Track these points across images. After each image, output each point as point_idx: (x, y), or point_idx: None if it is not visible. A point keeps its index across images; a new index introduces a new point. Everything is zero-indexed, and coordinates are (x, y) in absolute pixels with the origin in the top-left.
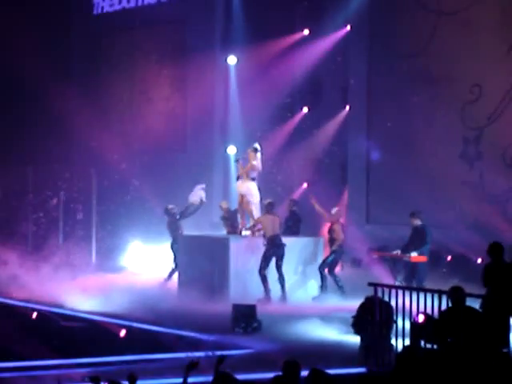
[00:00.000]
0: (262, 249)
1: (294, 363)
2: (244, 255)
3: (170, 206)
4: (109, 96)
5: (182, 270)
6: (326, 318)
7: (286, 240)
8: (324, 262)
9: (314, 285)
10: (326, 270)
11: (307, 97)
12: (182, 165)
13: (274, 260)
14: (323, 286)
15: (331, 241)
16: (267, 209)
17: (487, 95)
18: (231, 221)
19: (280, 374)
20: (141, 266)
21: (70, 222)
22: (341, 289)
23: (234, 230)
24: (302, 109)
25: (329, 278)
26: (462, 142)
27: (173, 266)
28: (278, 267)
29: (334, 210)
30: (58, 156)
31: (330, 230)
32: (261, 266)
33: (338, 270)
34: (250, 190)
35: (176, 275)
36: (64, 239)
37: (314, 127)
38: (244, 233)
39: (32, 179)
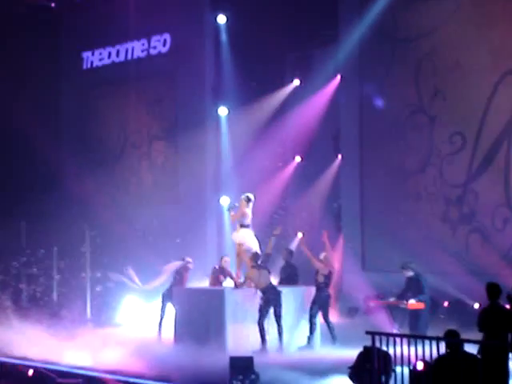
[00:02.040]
0: (259, 299)
1: None
2: (240, 306)
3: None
4: (100, 149)
5: (178, 322)
6: (324, 368)
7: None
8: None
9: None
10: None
11: (299, 146)
12: (176, 217)
13: (271, 310)
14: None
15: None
16: (252, 262)
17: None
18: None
19: None
20: (136, 321)
21: (63, 278)
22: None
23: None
24: (294, 158)
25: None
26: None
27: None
28: (277, 317)
29: (322, 255)
30: (51, 210)
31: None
32: (259, 317)
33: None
34: (246, 237)
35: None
36: (58, 295)
37: (307, 177)
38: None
39: (25, 234)
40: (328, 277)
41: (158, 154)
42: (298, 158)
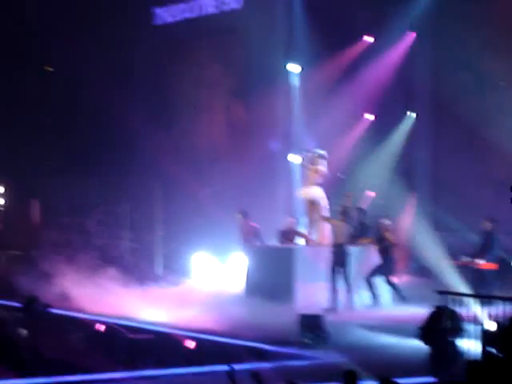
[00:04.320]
0: (329, 257)
1: (353, 372)
2: (310, 264)
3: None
4: (172, 108)
5: (250, 279)
6: (392, 326)
7: (351, 248)
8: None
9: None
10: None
11: (371, 104)
12: (246, 174)
13: (342, 267)
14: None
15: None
16: (339, 215)
17: None
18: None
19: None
20: (206, 277)
21: (134, 234)
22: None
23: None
24: (365, 116)
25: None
26: None
27: None
28: (346, 275)
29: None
30: (123, 168)
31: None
32: (330, 274)
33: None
34: (317, 195)
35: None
36: (131, 252)
37: (379, 135)
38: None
39: (98, 191)
40: (390, 241)
41: (229, 112)
42: (369, 116)
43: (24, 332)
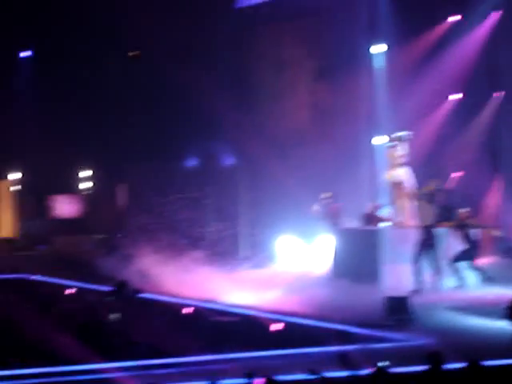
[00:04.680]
0: (415, 239)
1: (438, 354)
2: (395, 246)
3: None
4: (255, 91)
5: (336, 261)
6: (479, 308)
7: (436, 229)
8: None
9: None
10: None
11: (457, 83)
12: (330, 156)
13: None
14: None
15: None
16: (425, 198)
17: None
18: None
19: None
20: (292, 260)
21: (219, 218)
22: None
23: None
24: (451, 95)
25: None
26: None
27: None
28: (432, 258)
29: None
30: (208, 152)
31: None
32: (415, 257)
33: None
34: (403, 176)
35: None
36: (215, 234)
37: (464, 114)
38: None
39: (183, 175)
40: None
41: (313, 94)
42: (455, 95)
43: (114, 316)
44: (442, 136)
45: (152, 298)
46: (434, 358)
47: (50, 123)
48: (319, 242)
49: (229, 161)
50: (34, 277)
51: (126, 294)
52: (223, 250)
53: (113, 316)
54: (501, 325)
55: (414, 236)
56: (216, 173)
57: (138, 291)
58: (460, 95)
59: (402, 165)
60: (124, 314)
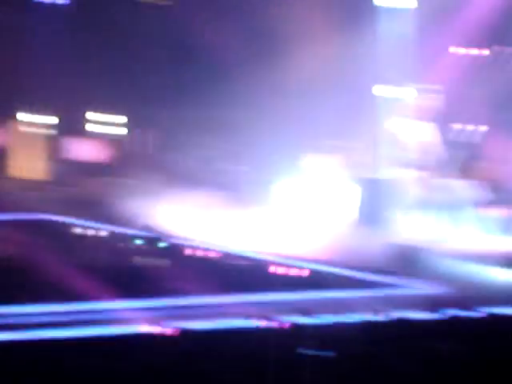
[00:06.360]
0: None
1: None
2: (413, 197)
3: None
4: (268, 41)
5: (357, 210)
6: (490, 258)
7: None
8: None
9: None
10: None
11: (489, 35)
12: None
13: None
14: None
15: None
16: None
17: None
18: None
19: None
20: (312, 205)
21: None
22: None
23: None
24: (483, 48)
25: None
26: None
27: None
28: (443, 209)
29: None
30: (227, 101)
31: None
32: (427, 207)
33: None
34: (408, 128)
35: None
36: (237, 178)
37: (495, 67)
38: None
39: (208, 124)
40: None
41: (318, 46)
42: (487, 50)
43: (145, 260)
44: (466, 90)
45: (178, 243)
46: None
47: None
48: (338, 189)
49: (248, 111)
50: (58, 217)
51: (155, 240)
52: (246, 194)
53: (143, 260)
54: (505, 274)
55: (425, 188)
56: (236, 121)
57: (167, 236)
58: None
59: (407, 116)
60: (155, 259)
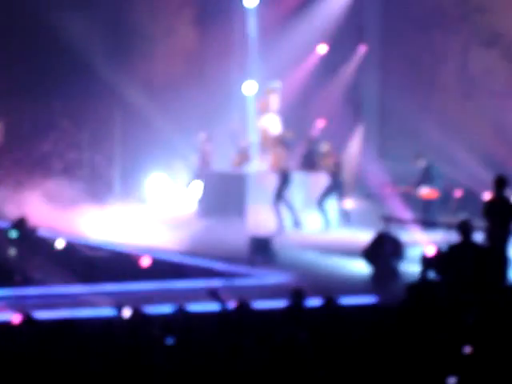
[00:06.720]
0: (276, 181)
1: (299, 291)
2: (260, 188)
3: None
4: (130, 33)
5: (203, 201)
6: (339, 249)
7: (299, 175)
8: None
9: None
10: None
11: (324, 36)
12: (202, 102)
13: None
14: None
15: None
16: (281, 143)
17: None
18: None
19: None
20: (161, 198)
21: (93, 155)
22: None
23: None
24: (320, 48)
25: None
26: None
27: None
28: (288, 199)
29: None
30: (83, 92)
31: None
32: (275, 199)
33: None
34: (270, 123)
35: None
36: (89, 171)
37: (331, 66)
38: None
39: (59, 113)
40: (338, 165)
41: (186, 40)
42: (322, 48)
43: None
44: (310, 85)
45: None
46: (296, 294)
47: None
48: (188, 182)
49: (105, 101)
50: None
51: (24, 231)
52: (97, 186)
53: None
54: (358, 265)
55: (274, 179)
56: (92, 112)
57: (37, 228)
58: (325, 48)
59: (270, 111)
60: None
